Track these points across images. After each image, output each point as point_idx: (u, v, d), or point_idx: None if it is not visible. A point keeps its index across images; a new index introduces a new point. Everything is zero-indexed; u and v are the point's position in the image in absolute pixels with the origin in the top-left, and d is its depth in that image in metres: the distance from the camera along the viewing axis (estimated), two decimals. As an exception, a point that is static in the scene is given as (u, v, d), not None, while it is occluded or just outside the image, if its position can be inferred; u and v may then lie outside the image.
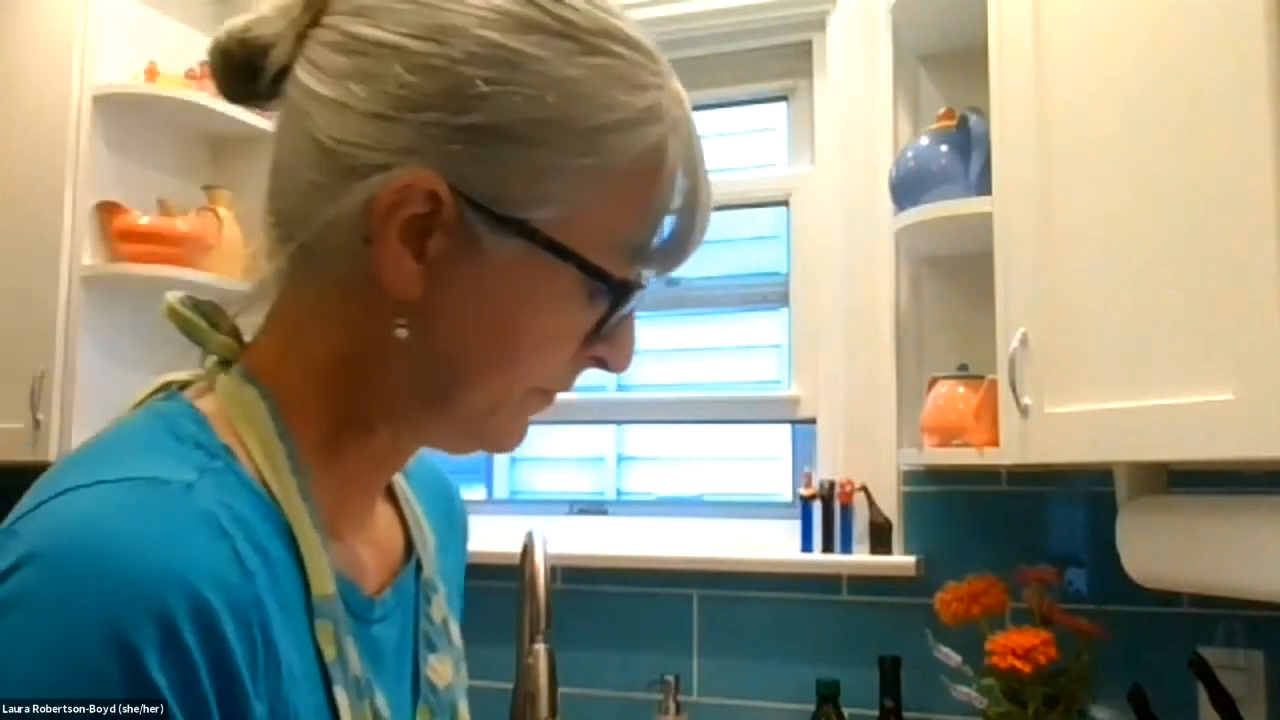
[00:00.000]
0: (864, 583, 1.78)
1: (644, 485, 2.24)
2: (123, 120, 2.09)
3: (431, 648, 0.67)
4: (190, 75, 2.17)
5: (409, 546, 0.69)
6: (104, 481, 0.48)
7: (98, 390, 2.03)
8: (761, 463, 2.16)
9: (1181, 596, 1.53)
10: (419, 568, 0.68)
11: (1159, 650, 1.53)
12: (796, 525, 1.86)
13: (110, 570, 0.44)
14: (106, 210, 2.05)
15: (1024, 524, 1.69)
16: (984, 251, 1.40)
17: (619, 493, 2.22)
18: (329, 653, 0.54)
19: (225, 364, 0.59)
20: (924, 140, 1.63)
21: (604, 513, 2.08)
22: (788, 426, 2.04)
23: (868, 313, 1.82)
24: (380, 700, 0.58)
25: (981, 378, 1.51)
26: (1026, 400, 1.28)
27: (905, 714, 1.64)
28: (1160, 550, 1.27)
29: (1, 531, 0.47)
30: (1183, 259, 1.03)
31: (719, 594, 1.86)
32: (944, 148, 1.59)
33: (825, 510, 1.81)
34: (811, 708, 1.68)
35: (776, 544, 1.91)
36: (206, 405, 0.57)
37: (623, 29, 0.56)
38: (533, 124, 0.53)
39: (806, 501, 1.83)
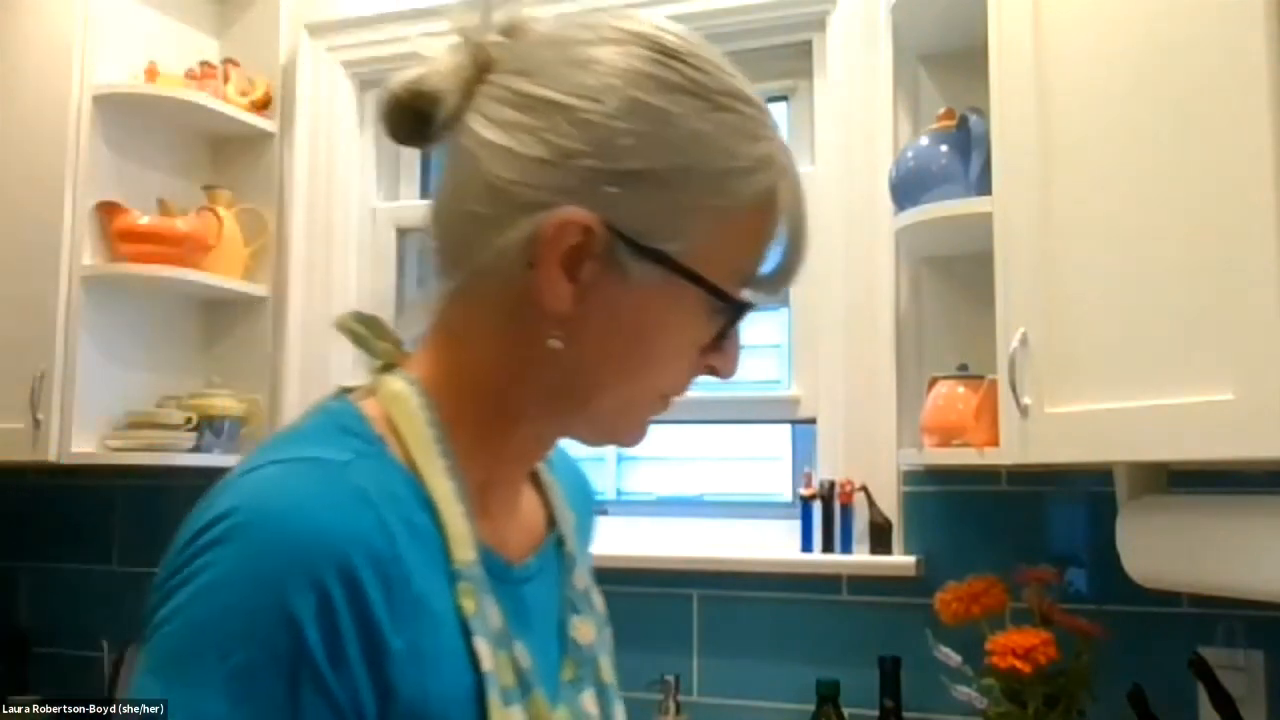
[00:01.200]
0: (864, 583, 1.78)
1: (644, 485, 2.24)
2: (123, 120, 2.09)
3: (575, 610, 0.77)
4: (190, 75, 2.18)
5: (550, 523, 0.79)
6: (282, 462, 0.61)
7: (98, 390, 2.03)
8: (761, 463, 2.16)
9: (1181, 596, 1.53)
10: (560, 542, 0.79)
11: (1159, 650, 1.53)
12: (796, 525, 1.86)
13: (282, 530, 0.57)
14: (106, 210, 2.05)
15: (1024, 524, 1.69)
16: (984, 251, 1.40)
17: (619, 492, 2.22)
18: (468, 608, 0.63)
19: (388, 369, 0.70)
20: (924, 140, 1.63)
21: (604, 512, 2.07)
22: (788, 426, 2.04)
23: (868, 313, 1.82)
24: (520, 649, 0.66)
25: (981, 378, 1.51)
26: (1026, 400, 1.28)
27: (905, 714, 1.64)
28: (1160, 550, 1.27)
29: (214, 494, 0.60)
30: (1183, 259, 1.03)
31: (719, 594, 1.86)
32: (944, 148, 1.59)
33: (825, 510, 1.81)
34: (811, 708, 1.68)
35: (776, 544, 1.91)
36: (367, 405, 0.67)
37: (743, 89, 0.67)
38: (672, 170, 0.63)
39: (806, 501, 1.83)
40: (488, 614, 0.64)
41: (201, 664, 0.54)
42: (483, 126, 0.65)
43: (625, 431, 0.72)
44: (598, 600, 0.81)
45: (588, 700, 0.74)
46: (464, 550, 0.64)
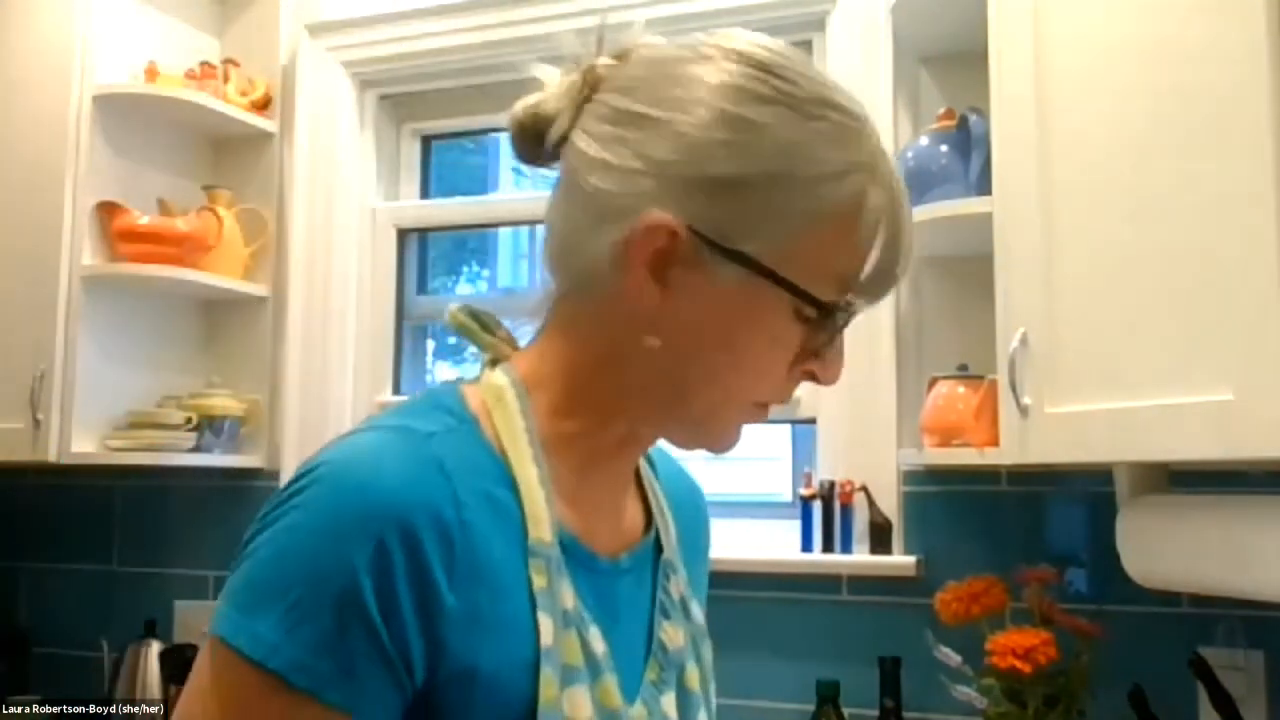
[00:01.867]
0: (864, 583, 1.78)
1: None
2: (123, 120, 2.10)
3: (666, 615, 0.78)
4: (190, 75, 2.18)
5: (650, 527, 0.81)
6: (376, 428, 0.67)
7: (98, 390, 2.03)
8: (761, 463, 2.16)
9: (1181, 596, 1.53)
10: (659, 547, 0.81)
11: (1159, 650, 1.53)
12: (796, 525, 1.86)
13: (355, 488, 0.62)
14: (106, 210, 2.05)
15: (1024, 524, 1.69)
16: (984, 251, 1.40)
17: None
18: (538, 583, 0.66)
19: (496, 363, 0.75)
20: (924, 140, 1.63)
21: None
22: (788, 426, 2.04)
23: (868, 313, 1.80)
24: (594, 633, 0.69)
25: (981, 378, 1.51)
26: (1026, 400, 1.28)
27: (905, 714, 1.64)
28: (1160, 550, 1.27)
29: (320, 450, 0.66)
30: (1183, 259, 1.03)
31: (719, 594, 1.84)
32: (944, 148, 1.59)
33: (825, 510, 1.81)
34: (811, 708, 1.68)
35: (776, 544, 1.91)
36: (470, 390, 0.73)
37: (833, 97, 0.69)
38: (761, 176, 0.66)
39: (806, 501, 1.83)
40: (559, 592, 0.67)
41: (267, 595, 0.60)
42: (585, 142, 0.70)
43: (718, 436, 0.74)
44: (696, 611, 0.83)
45: (668, 703, 0.75)
46: (541, 530, 0.68)
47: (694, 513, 0.90)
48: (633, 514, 0.80)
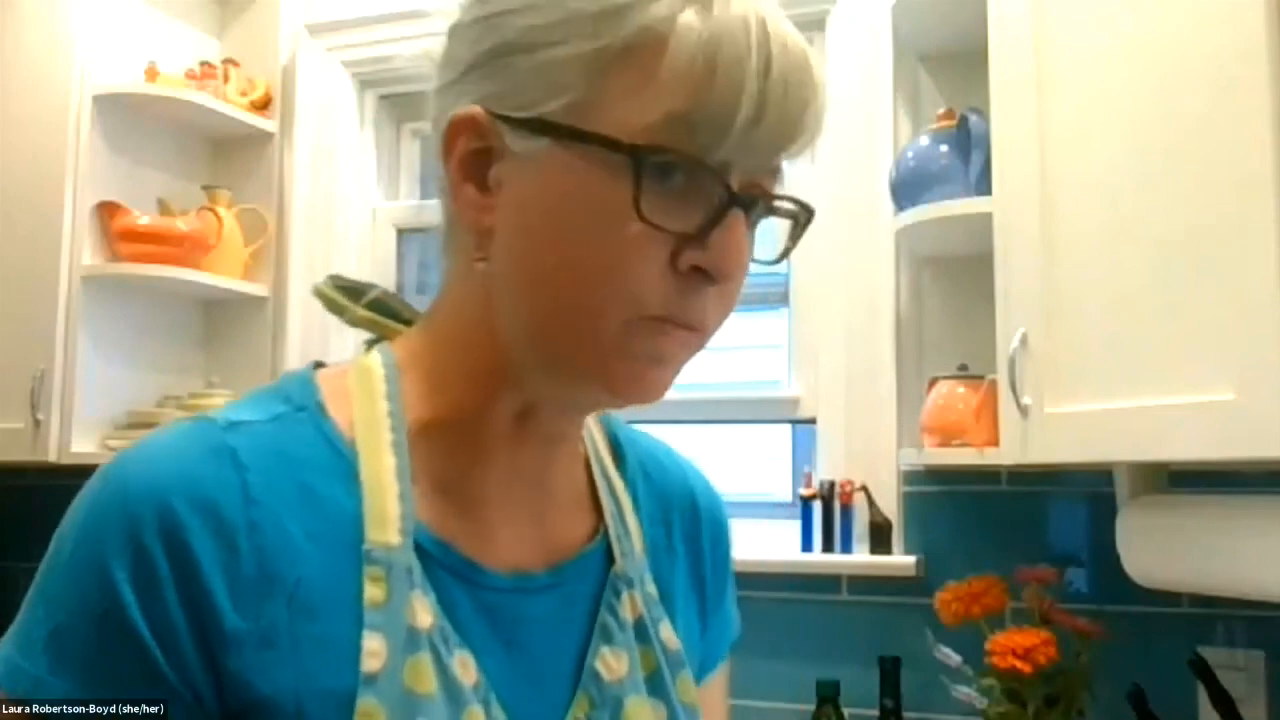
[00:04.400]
0: (864, 583, 1.78)
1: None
2: (123, 120, 2.09)
3: (608, 639, 0.65)
4: (190, 75, 2.17)
5: (595, 536, 0.68)
6: (180, 420, 0.59)
7: (98, 390, 2.03)
8: (761, 463, 2.16)
9: (1181, 596, 1.53)
10: (609, 559, 0.68)
11: (1159, 650, 1.53)
12: (796, 525, 1.86)
13: (116, 486, 0.55)
14: (106, 210, 2.05)
15: (1024, 524, 1.69)
16: (984, 251, 1.40)
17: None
18: (372, 595, 0.56)
19: (375, 343, 0.66)
20: (924, 140, 1.63)
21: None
22: (788, 426, 2.04)
23: (868, 313, 1.82)
24: (461, 658, 0.58)
25: (981, 378, 1.51)
26: (1026, 400, 1.28)
27: (905, 714, 1.64)
28: (1160, 550, 1.27)
29: None
30: (1182, 259, 1.03)
31: (719, 594, 1.85)
32: (944, 148, 1.59)
33: (825, 510, 1.81)
34: (811, 708, 1.68)
35: (776, 544, 1.91)
36: (330, 374, 0.64)
37: None
38: (534, 30, 0.56)
39: (806, 501, 1.83)
40: (406, 607, 0.56)
41: (30, 622, 0.54)
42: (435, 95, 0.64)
43: (622, 376, 0.58)
44: (667, 634, 0.68)
45: None
46: (383, 532, 0.57)
47: (688, 515, 0.78)
48: (570, 520, 0.68)
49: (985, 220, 1.40)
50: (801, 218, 0.63)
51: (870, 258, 1.82)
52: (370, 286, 0.70)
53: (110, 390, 2.06)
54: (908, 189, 1.62)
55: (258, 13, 2.31)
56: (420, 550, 0.58)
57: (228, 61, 2.24)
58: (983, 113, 1.48)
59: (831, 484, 1.81)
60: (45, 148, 2.04)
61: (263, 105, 2.25)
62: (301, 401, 0.61)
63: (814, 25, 1.94)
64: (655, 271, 0.56)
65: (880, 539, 1.76)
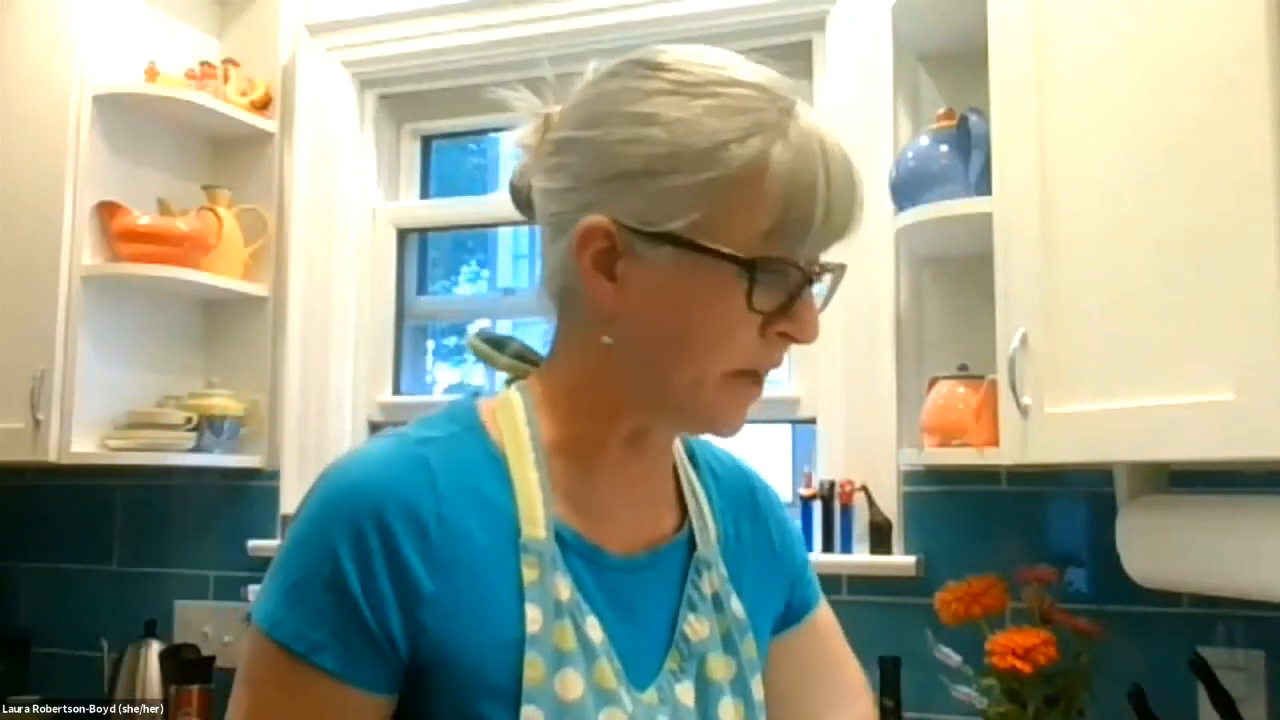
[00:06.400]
0: (864, 583, 1.78)
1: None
2: (123, 120, 2.09)
3: (693, 609, 0.82)
4: (190, 75, 2.18)
5: (682, 527, 0.85)
6: (380, 435, 0.78)
7: (98, 390, 2.03)
8: (762, 462, 2.16)
9: (1181, 596, 1.53)
10: (695, 545, 0.85)
11: (1159, 650, 1.53)
12: (796, 525, 1.85)
13: (340, 485, 0.73)
14: (106, 210, 2.05)
15: (1024, 524, 1.69)
16: (984, 251, 1.40)
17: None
18: (529, 576, 0.73)
19: (513, 381, 0.84)
20: (924, 140, 1.63)
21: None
22: (788, 426, 2.04)
23: (868, 313, 1.82)
24: (591, 622, 0.75)
25: (981, 378, 1.51)
26: (1026, 400, 1.28)
27: (905, 714, 1.64)
28: (1160, 550, 1.27)
29: None
30: (1182, 259, 1.03)
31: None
32: (944, 148, 1.59)
33: (825, 510, 1.81)
34: (811, 708, 1.68)
35: (776, 544, 1.91)
36: (486, 404, 0.81)
37: (729, 75, 0.74)
38: (661, 159, 0.72)
39: (806, 501, 1.83)
40: (552, 585, 0.74)
41: (276, 579, 0.72)
42: (539, 179, 0.79)
43: (714, 415, 0.77)
44: (736, 606, 0.85)
45: (683, 691, 0.79)
46: (534, 527, 0.75)
47: (749, 509, 0.93)
48: (662, 514, 0.85)
49: (985, 220, 1.40)
50: (839, 275, 0.79)
51: (870, 258, 1.82)
52: (510, 340, 0.88)
53: (110, 390, 2.06)
54: (908, 189, 1.62)
55: (258, 13, 2.32)
56: (559, 539, 0.76)
57: (228, 61, 2.24)
58: (983, 113, 1.48)
59: (831, 484, 1.81)
60: (45, 148, 2.04)
61: (263, 105, 2.25)
62: (468, 424, 0.79)
63: (814, 25, 1.93)
64: (751, 339, 0.74)
65: (880, 539, 1.76)
